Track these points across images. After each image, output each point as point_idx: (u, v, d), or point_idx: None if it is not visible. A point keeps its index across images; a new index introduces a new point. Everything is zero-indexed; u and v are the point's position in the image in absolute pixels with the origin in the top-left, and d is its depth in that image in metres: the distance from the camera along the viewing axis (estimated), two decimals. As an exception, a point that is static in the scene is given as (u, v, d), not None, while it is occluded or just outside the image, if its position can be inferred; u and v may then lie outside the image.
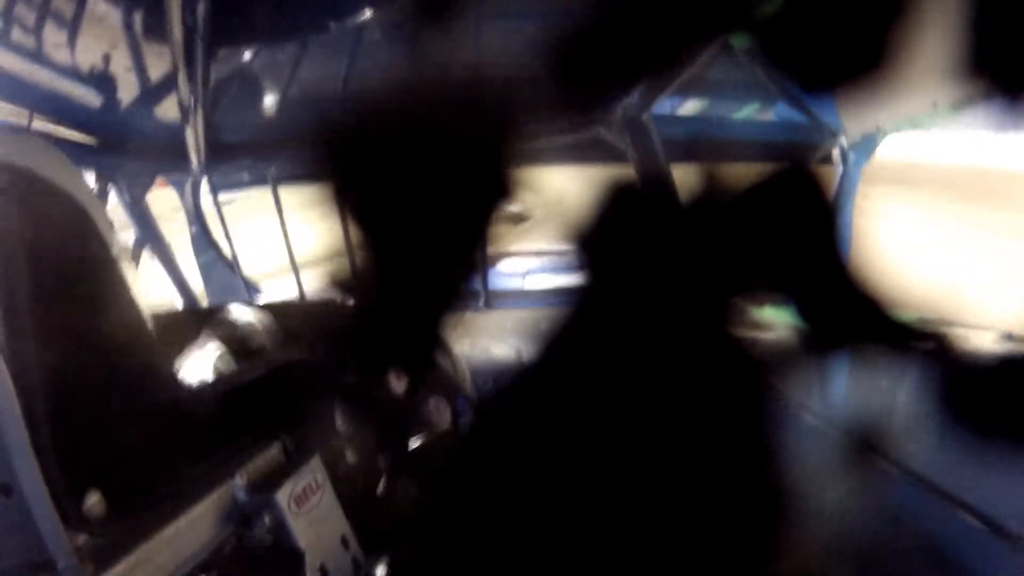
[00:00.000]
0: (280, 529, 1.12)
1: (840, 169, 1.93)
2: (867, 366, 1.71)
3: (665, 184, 2.36)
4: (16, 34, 1.95)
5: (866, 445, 1.72)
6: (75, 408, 0.88)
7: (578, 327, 1.59)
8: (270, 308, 1.97)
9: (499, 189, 1.68)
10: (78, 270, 1.01)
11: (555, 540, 1.34)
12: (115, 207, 2.87)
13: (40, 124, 2.34)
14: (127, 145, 2.67)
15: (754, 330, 1.59)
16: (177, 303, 3.09)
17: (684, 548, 1.34)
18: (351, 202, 1.76)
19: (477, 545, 1.38)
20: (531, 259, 4.49)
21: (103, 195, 2.74)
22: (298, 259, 3.17)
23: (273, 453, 1.28)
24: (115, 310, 1.05)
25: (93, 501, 0.87)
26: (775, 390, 1.85)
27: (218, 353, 1.58)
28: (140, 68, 2.37)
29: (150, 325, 1.20)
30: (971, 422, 1.44)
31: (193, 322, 1.79)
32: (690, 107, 2.42)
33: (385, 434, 2.01)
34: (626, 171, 2.48)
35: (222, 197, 3.03)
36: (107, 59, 2.26)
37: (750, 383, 1.57)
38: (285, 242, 3.11)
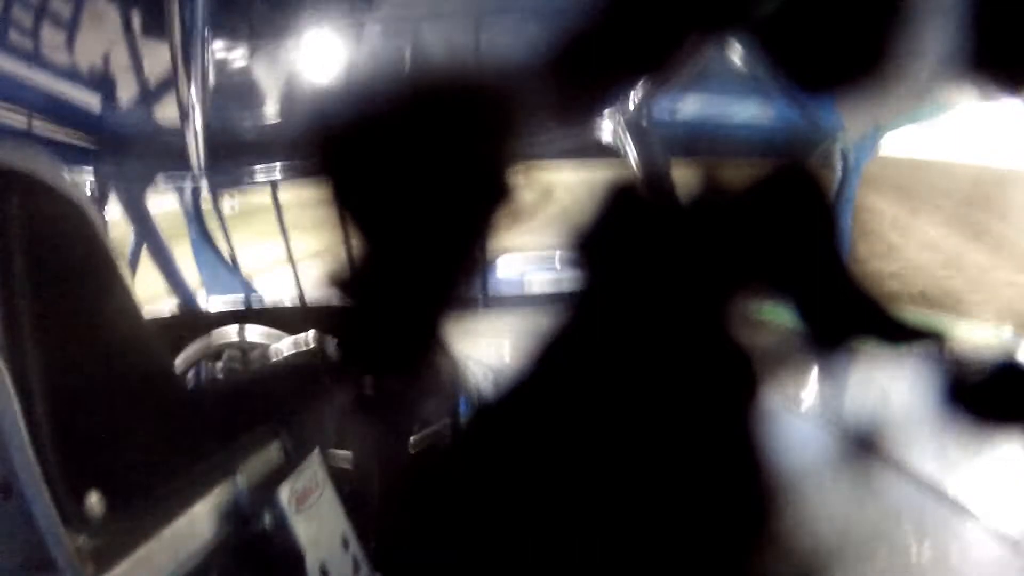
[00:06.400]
0: (280, 528, 1.12)
1: (840, 169, 1.94)
2: (867, 366, 1.71)
3: (665, 184, 2.36)
4: (15, 35, 1.95)
5: (866, 445, 1.72)
6: (75, 408, 0.88)
7: (578, 327, 1.59)
8: (270, 308, 1.98)
9: (499, 189, 1.67)
10: (78, 270, 1.01)
11: (554, 540, 1.34)
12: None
13: (39, 125, 2.34)
14: (127, 146, 2.68)
15: (754, 330, 1.59)
16: (176, 303, 3.09)
17: (683, 548, 1.34)
18: (350, 201, 1.76)
19: (475, 544, 1.38)
20: (531, 259, 4.49)
21: (103, 195, 2.74)
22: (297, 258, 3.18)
23: (273, 452, 1.28)
24: (115, 310, 1.05)
25: (93, 501, 0.86)
26: (775, 390, 1.85)
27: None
28: (140, 68, 2.37)
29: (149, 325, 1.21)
30: (971, 422, 1.44)
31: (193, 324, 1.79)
32: (690, 107, 2.42)
33: (385, 434, 2.01)
34: (626, 171, 2.48)
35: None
36: (106, 59, 2.26)
37: (750, 383, 1.57)
38: (285, 242, 3.12)
